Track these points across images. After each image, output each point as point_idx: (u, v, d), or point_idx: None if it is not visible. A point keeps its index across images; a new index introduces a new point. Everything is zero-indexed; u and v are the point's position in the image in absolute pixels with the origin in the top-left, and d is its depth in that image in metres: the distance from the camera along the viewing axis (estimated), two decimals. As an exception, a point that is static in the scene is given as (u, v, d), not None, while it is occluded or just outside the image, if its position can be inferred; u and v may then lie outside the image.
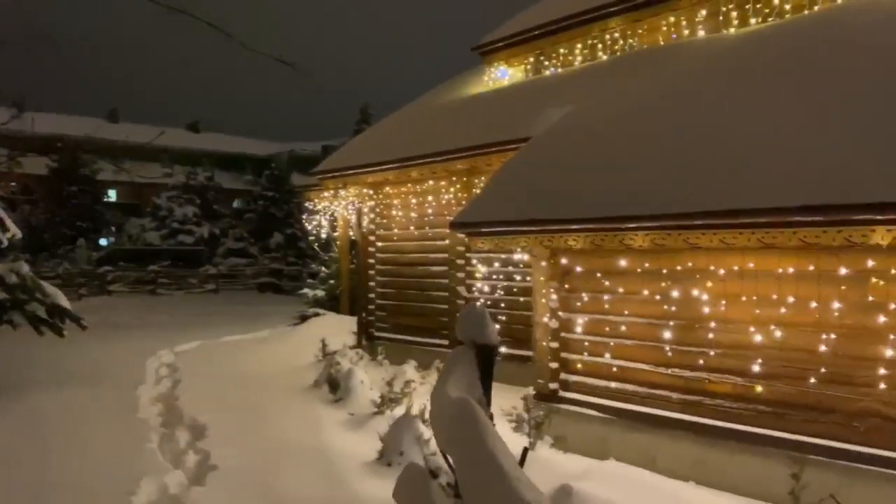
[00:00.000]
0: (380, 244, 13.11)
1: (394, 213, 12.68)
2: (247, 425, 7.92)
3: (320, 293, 16.80)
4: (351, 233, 14.22)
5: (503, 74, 12.93)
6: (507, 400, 7.07)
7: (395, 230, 12.73)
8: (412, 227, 12.30)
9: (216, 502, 5.46)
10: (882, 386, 5.24)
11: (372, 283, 13.28)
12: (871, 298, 5.29)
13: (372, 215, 13.14)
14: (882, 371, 5.22)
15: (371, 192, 12.90)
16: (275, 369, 11.65)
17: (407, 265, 12.51)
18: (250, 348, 14.16)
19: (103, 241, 39.04)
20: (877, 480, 5.13)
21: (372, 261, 13.29)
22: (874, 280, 5.27)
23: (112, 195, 44.71)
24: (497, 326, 3.31)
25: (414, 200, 12.18)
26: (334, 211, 14.42)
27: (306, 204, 15.33)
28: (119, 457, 6.63)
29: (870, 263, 5.29)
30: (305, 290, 17.26)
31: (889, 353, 5.17)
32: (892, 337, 5.17)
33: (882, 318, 5.23)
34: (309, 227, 15.98)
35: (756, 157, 5.63)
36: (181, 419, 8.33)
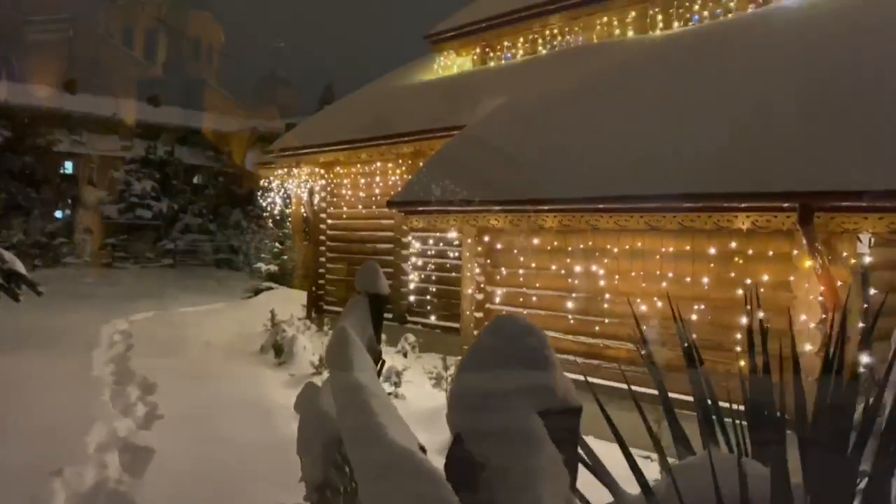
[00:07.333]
0: (330, 221, 13.76)
1: (344, 192, 13.34)
2: (194, 383, 8.58)
3: (273, 268, 17.39)
4: (303, 210, 14.83)
5: (452, 63, 13.63)
6: (433, 364, 7.87)
7: (345, 209, 13.39)
8: (360, 206, 12.97)
9: (160, 443, 6.13)
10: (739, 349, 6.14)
11: (322, 259, 13.94)
12: (731, 275, 6.20)
13: (323, 194, 13.77)
14: (738, 336, 6.14)
15: (323, 171, 13.52)
16: (226, 337, 12.27)
17: (356, 242, 13.18)
18: (204, 318, 14.72)
19: (59, 214, 38.68)
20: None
21: (323, 237, 13.93)
22: (736, 259, 6.17)
23: (69, 167, 44.14)
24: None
25: (363, 181, 12.85)
26: (288, 189, 15.01)
27: (262, 181, 15.88)
28: (74, 406, 7.25)
29: (733, 245, 6.18)
30: (259, 265, 17.83)
31: (742, 320, 6.07)
32: (748, 307, 6.07)
33: (739, 292, 6.14)
34: (264, 204, 16.53)
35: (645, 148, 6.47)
36: (132, 378, 8.93)
